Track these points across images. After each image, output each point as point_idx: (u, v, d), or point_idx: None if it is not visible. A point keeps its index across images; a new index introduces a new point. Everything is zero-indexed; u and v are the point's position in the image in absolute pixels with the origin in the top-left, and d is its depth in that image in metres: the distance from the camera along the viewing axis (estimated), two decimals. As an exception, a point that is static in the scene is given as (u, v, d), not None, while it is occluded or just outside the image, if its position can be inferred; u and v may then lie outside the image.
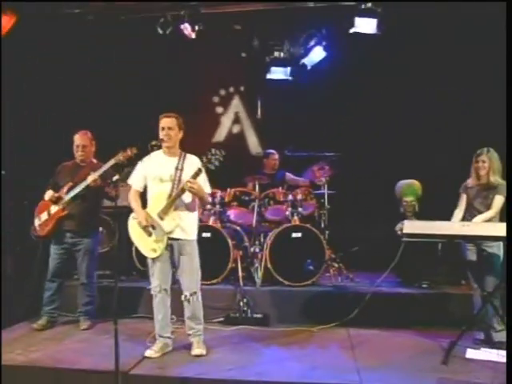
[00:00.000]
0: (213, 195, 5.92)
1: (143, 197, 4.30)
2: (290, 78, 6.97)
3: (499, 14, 4.56)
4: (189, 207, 4.20)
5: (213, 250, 5.46)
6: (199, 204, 4.32)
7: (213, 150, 4.09)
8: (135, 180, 4.28)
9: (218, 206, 5.96)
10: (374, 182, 6.53)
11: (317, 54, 6.70)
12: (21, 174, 5.83)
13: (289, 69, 6.95)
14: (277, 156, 6.69)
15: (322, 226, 6.19)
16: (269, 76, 7.01)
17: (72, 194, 4.82)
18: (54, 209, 4.87)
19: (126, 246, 5.44)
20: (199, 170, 4.04)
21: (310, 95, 6.93)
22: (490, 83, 5.99)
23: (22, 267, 5.64)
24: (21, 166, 5.85)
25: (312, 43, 6.67)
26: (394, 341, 4.64)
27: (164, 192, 4.13)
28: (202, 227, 5.62)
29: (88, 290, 5.03)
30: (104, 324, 4.94)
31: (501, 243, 4.23)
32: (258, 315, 5.13)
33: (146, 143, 4.21)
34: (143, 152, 4.31)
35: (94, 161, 5.06)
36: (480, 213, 4.40)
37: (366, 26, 5.89)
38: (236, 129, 7.82)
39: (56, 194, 4.87)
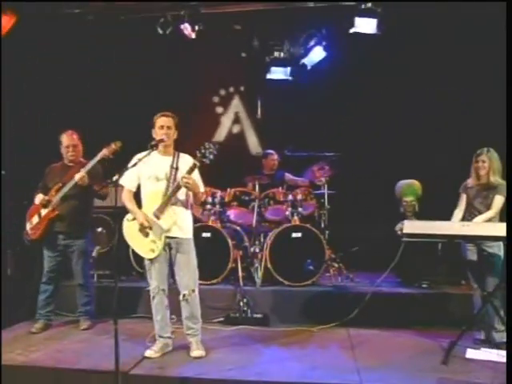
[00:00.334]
0: (213, 195, 5.95)
1: (136, 197, 4.27)
2: (290, 77, 6.98)
3: (499, 14, 4.56)
4: (184, 205, 4.20)
5: (213, 250, 5.48)
6: (193, 201, 4.28)
7: (206, 144, 4.04)
8: (128, 180, 4.19)
9: (217, 206, 5.96)
10: (374, 181, 6.53)
11: (317, 54, 6.71)
12: (21, 174, 5.83)
13: (289, 69, 6.96)
14: (276, 156, 6.69)
15: (322, 225, 6.20)
16: (269, 76, 7.02)
17: (61, 194, 4.77)
18: (44, 211, 4.82)
19: (127, 247, 5.43)
20: (194, 165, 4.02)
21: (309, 95, 6.94)
22: (490, 83, 6.00)
23: (22, 267, 5.64)
24: (21, 166, 5.85)
25: (312, 43, 6.67)
26: (394, 341, 4.64)
27: (159, 191, 4.12)
28: (202, 227, 5.63)
29: (86, 290, 5.02)
30: (104, 324, 4.94)
31: (501, 243, 4.22)
32: (258, 315, 5.14)
33: (147, 143, 4.18)
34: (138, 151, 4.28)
35: (83, 160, 5.00)
36: (480, 213, 4.40)
37: (366, 25, 5.90)
38: (236, 129, 7.83)
39: (46, 197, 4.81)
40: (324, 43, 6.60)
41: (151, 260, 4.16)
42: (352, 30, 5.94)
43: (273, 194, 6.13)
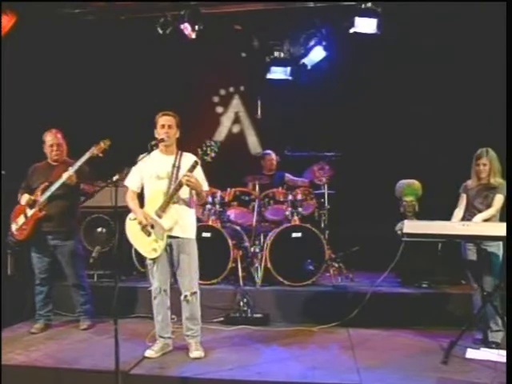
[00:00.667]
0: (213, 195, 5.95)
1: (140, 197, 4.29)
2: (290, 77, 7.00)
3: (499, 13, 4.57)
4: (186, 204, 4.19)
5: (213, 250, 5.47)
6: (196, 200, 4.28)
7: (207, 142, 4.06)
8: (131, 180, 4.25)
9: (218, 206, 5.97)
10: (374, 181, 6.54)
11: (317, 54, 6.73)
12: (21, 173, 5.82)
13: (289, 69, 6.98)
14: (273, 156, 6.69)
15: (322, 225, 6.21)
16: (269, 76, 7.04)
17: (48, 193, 4.71)
18: (30, 211, 4.76)
19: (126, 247, 5.43)
20: (195, 162, 4.02)
21: (309, 95, 6.94)
22: (489, 83, 6.01)
23: (22, 267, 5.63)
24: (21, 166, 5.83)
25: (312, 43, 6.69)
26: (394, 340, 4.65)
27: (161, 190, 4.12)
28: (203, 227, 5.63)
29: (82, 289, 5.00)
30: (104, 324, 4.95)
31: (500, 243, 4.24)
32: (258, 315, 5.15)
33: (147, 142, 4.18)
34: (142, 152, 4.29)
35: (67, 159, 4.96)
36: (480, 212, 4.41)
37: (365, 26, 5.91)
38: (236, 128, 7.84)
39: (32, 197, 4.76)
40: (324, 43, 6.62)
41: (153, 260, 4.16)
42: (352, 30, 5.96)
43: (273, 194, 6.15)
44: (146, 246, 4.15)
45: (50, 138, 4.91)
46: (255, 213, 6.02)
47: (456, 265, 5.02)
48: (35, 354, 4.24)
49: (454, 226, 4.20)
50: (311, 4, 6.20)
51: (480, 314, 4.26)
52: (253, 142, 7.78)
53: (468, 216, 4.47)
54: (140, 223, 4.11)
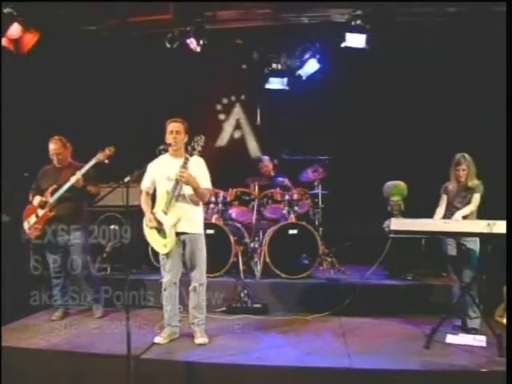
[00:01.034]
0: (216, 195, 5.99)
1: (154, 198, 4.35)
2: (287, 87, 7.06)
3: (485, 23, 4.56)
4: (192, 201, 4.19)
5: (216, 246, 5.49)
6: (195, 197, 4.21)
7: (195, 138, 4.13)
8: (143, 183, 4.34)
9: (220, 205, 6.02)
10: (363, 183, 6.57)
11: (311, 66, 6.80)
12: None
13: (286, 79, 7.04)
14: (267, 163, 6.64)
15: (317, 223, 6.24)
16: (267, 86, 7.11)
17: (57, 195, 4.75)
18: (41, 212, 4.80)
19: (138, 243, 5.47)
20: (186, 159, 4.05)
21: (305, 103, 7.00)
22: (470, 89, 6.07)
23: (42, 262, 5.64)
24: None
25: (307, 56, 6.77)
26: (382, 328, 4.70)
27: (167, 189, 4.17)
28: (206, 224, 5.59)
29: (91, 280, 5.02)
30: (116, 313, 4.94)
31: (477, 239, 4.29)
32: (258, 305, 5.19)
33: (155, 147, 4.26)
34: (151, 156, 4.35)
35: (73, 162, 4.99)
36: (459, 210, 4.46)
37: (355, 40, 5.96)
38: (237, 134, 7.87)
39: (43, 199, 4.80)
40: (318, 56, 6.69)
41: (166, 255, 4.22)
42: (343, 45, 6.02)
43: (271, 194, 6.18)
44: (158, 242, 4.21)
45: (51, 147, 4.91)
46: (255, 211, 6.04)
47: (438, 259, 5.06)
48: (55, 339, 4.30)
49: (437, 223, 4.25)
50: (306, 21, 6.25)
51: (459, 304, 4.31)
52: (253, 147, 7.81)
53: (449, 214, 4.51)
54: (146, 225, 4.21)
